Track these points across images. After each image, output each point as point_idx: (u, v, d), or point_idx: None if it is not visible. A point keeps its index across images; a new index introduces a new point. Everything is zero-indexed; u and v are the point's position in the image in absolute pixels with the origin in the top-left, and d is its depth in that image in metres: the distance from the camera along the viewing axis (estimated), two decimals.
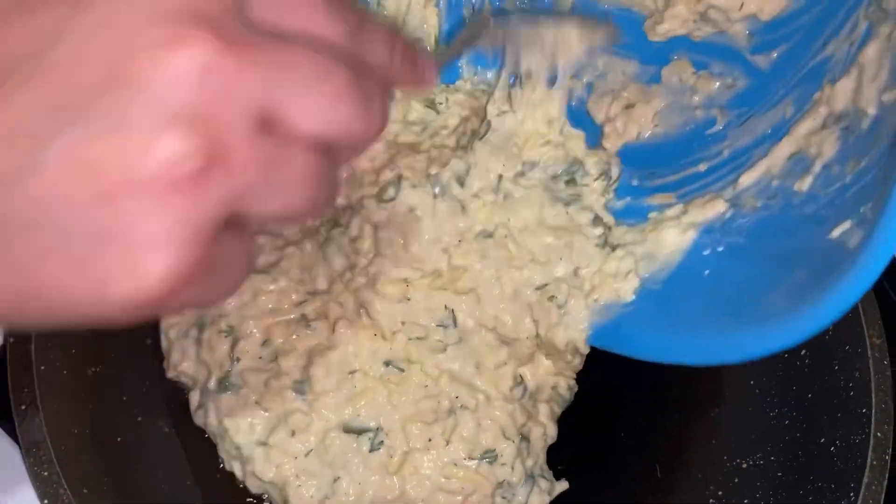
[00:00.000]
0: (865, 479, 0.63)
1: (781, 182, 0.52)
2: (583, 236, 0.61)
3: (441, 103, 0.75)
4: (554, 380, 0.73)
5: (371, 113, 0.30)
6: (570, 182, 0.63)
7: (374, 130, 0.31)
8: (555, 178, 0.65)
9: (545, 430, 0.72)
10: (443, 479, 0.67)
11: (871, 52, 0.44)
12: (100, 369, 0.69)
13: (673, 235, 0.56)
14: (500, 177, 0.66)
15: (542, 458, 0.72)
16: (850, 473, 0.65)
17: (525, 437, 0.70)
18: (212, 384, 0.69)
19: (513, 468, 0.68)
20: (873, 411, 0.66)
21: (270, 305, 0.71)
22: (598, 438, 0.75)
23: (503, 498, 0.69)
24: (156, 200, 0.25)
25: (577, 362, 0.74)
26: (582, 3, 0.66)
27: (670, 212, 0.58)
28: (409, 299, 0.70)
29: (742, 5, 0.54)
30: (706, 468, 0.74)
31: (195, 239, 0.26)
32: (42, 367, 0.63)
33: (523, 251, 0.65)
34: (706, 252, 0.54)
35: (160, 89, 0.25)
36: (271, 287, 0.71)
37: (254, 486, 0.69)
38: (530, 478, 0.70)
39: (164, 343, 0.73)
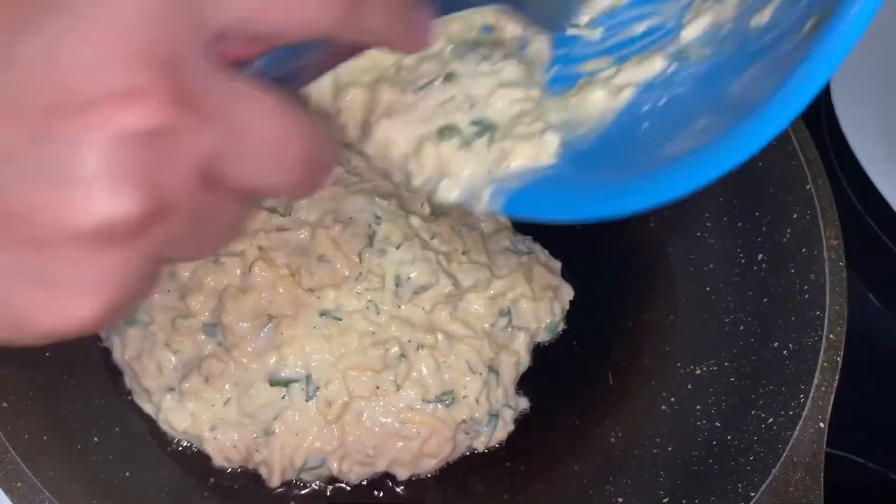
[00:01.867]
0: (815, 381, 0.62)
1: (734, 26, 0.48)
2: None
3: None
4: (541, 314, 0.70)
5: (309, 182, 0.30)
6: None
7: (307, 193, 0.31)
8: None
9: (518, 359, 0.70)
10: (397, 425, 0.64)
11: None
12: None
13: (601, 98, 0.51)
14: None
15: (512, 389, 0.69)
16: (800, 376, 0.63)
17: (493, 370, 0.67)
18: None
19: (477, 402, 0.65)
20: (827, 313, 0.65)
21: None
22: (548, 346, 0.73)
23: (466, 434, 0.67)
24: (90, 252, 0.25)
25: (559, 304, 0.72)
26: None
27: (602, 74, 0.53)
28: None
29: None
30: (659, 375, 0.73)
31: (123, 284, 0.26)
32: None
33: None
34: (646, 108, 0.50)
35: (104, 146, 0.24)
36: None
37: (170, 432, 0.65)
38: (494, 416, 0.67)
39: None
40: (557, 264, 0.74)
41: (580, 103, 0.52)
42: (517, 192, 0.51)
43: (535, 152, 0.51)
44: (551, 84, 0.56)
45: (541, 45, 0.58)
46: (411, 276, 0.66)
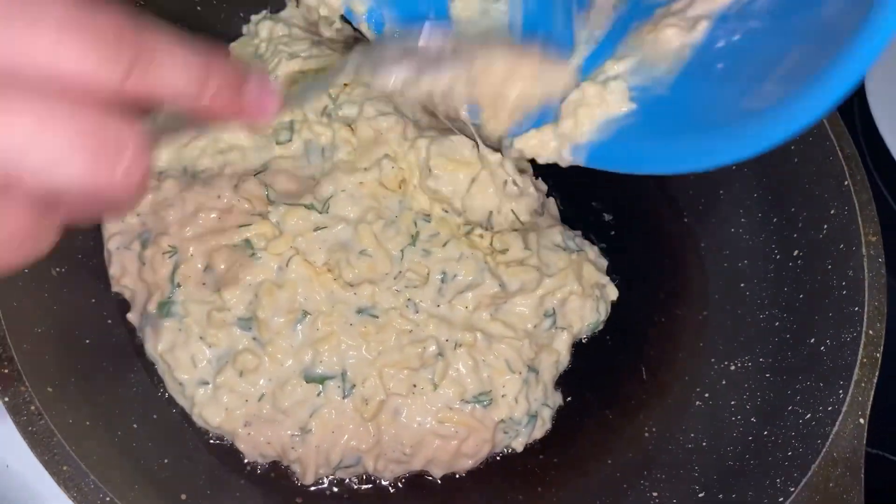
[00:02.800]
0: (855, 377, 0.62)
1: None
2: None
3: None
4: (587, 313, 0.70)
5: (112, 166, 0.30)
6: None
7: (119, 185, 0.30)
8: None
9: (558, 358, 0.69)
10: (435, 424, 0.64)
11: None
12: (65, 269, 0.66)
13: (674, 34, 0.50)
14: None
15: (551, 387, 0.69)
16: (839, 372, 0.63)
17: (533, 369, 0.67)
18: (152, 307, 0.64)
19: (516, 401, 0.65)
20: (866, 309, 0.64)
21: (211, 224, 0.65)
22: (582, 341, 0.72)
23: (505, 433, 0.66)
24: None
25: (604, 303, 0.71)
26: None
27: (676, 5, 0.51)
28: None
29: None
30: (693, 371, 0.73)
31: None
32: None
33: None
34: (720, 44, 0.48)
35: None
36: (214, 203, 0.66)
37: (204, 426, 0.65)
38: (533, 416, 0.66)
39: (105, 254, 0.68)
40: (604, 262, 0.74)
41: (655, 40, 0.51)
42: (600, 143, 0.50)
43: (608, 104, 0.50)
44: (629, 19, 0.55)
45: None
46: (458, 275, 0.66)
